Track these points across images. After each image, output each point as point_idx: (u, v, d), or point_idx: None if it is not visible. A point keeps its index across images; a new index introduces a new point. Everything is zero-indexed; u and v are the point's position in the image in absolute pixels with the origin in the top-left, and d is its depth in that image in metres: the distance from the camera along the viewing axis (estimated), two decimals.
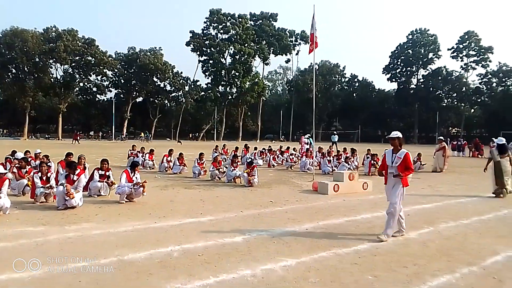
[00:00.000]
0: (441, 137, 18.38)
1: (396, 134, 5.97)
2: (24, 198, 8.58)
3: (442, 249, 5.30)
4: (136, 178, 8.52)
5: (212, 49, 66.37)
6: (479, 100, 69.42)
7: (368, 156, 15.89)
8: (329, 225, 6.55)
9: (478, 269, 4.53)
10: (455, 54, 68.76)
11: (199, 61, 68.16)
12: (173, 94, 69.01)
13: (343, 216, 7.29)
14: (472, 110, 75.02)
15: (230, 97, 69.70)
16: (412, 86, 74.47)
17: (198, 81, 70.99)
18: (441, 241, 5.73)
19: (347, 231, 6.18)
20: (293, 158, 17.96)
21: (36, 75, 55.44)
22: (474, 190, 11.40)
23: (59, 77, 58.55)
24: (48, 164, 9.71)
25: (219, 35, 68.24)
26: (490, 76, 67.29)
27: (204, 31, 67.87)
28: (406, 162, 5.75)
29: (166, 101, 70.30)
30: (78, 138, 44.19)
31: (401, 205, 5.79)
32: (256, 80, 69.87)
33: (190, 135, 69.95)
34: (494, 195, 9.99)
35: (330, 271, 4.34)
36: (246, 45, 66.12)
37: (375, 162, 15.38)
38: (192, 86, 68.67)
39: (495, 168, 10.08)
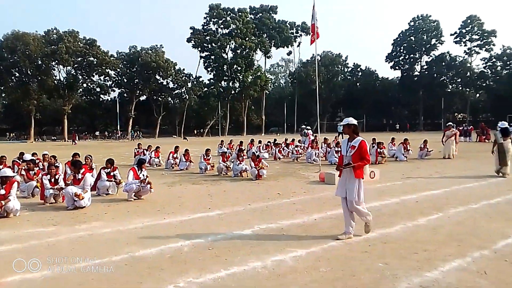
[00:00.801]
0: (450, 123, 18.09)
1: (348, 121, 5.39)
2: (34, 200, 8.66)
3: (452, 234, 5.28)
4: (143, 175, 8.56)
5: (213, 44, 66.20)
6: (484, 84, 68.80)
7: (373, 145, 15.82)
8: (337, 215, 6.53)
9: (489, 252, 4.52)
10: (458, 39, 68.05)
11: (201, 57, 68.10)
12: (176, 91, 69.08)
13: None
14: (478, 95, 74.39)
15: (233, 91, 69.60)
16: (416, 73, 73.88)
17: (201, 77, 71.04)
18: (450, 226, 5.71)
19: (355, 220, 6.16)
20: (298, 150, 17.95)
21: (39, 78, 55.71)
22: (482, 174, 11.34)
23: (62, 78, 58.81)
24: (56, 165, 9.77)
25: (219, 30, 68.07)
26: (494, 60, 66.61)
27: (205, 27, 67.69)
28: (361, 151, 5.13)
29: (170, 99, 70.41)
30: (76, 139, 44.34)
31: (364, 202, 5.28)
32: (259, 73, 69.67)
33: (195, 131, 70.06)
34: (496, 174, 10.91)
35: (340, 260, 4.35)
36: (247, 39, 65.89)
37: (381, 151, 15.35)
38: (195, 83, 68.67)
39: (498, 150, 10.97)
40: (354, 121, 5.38)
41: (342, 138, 26.35)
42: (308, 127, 26.64)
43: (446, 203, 7.31)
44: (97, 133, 63.56)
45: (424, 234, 5.31)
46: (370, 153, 15.73)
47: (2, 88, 58.31)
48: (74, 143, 41.93)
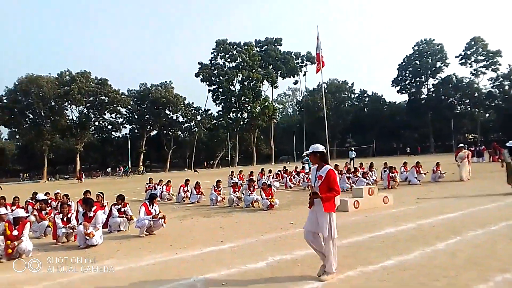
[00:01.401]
0: (462, 144, 17.75)
1: (313, 148, 4.91)
2: (46, 240, 8.66)
3: (472, 258, 5.11)
4: (155, 210, 8.53)
5: (221, 77, 67.57)
6: (493, 104, 68.30)
7: (385, 169, 15.66)
8: (352, 243, 6.39)
9: (511, 275, 4.34)
10: (463, 60, 68.26)
11: (209, 90, 69.40)
12: (185, 125, 70.03)
13: (366, 233, 7.12)
14: (487, 115, 73.73)
15: (241, 122, 70.27)
16: (423, 96, 73.86)
17: (209, 109, 72.16)
18: (470, 249, 5.53)
19: (371, 247, 6.02)
20: (309, 177, 17.78)
21: (52, 118, 57.05)
22: (498, 195, 11.06)
23: (75, 118, 60.17)
24: (68, 203, 9.82)
25: (226, 63, 69.67)
26: (501, 79, 66.33)
27: (212, 61, 69.38)
28: (329, 180, 4.64)
29: (180, 132, 71.29)
30: (83, 177, 44.51)
31: (336, 238, 4.69)
32: (266, 103, 70.51)
33: (205, 163, 70.34)
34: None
35: None
36: (253, 71, 67.22)
37: (393, 175, 15.15)
38: (204, 115, 69.65)
39: (507, 168, 11.46)
40: (321, 148, 4.89)
41: (354, 164, 26.34)
42: (306, 158, 26.69)
43: (464, 226, 7.10)
44: (108, 169, 64.01)
45: (443, 259, 5.13)
46: (382, 178, 15.67)
47: (16, 130, 59.78)
48: (80, 181, 42.10)
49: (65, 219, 8.25)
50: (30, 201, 11.42)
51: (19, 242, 6.69)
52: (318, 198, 4.65)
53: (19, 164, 77.69)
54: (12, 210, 8.23)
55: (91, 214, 7.84)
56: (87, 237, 7.35)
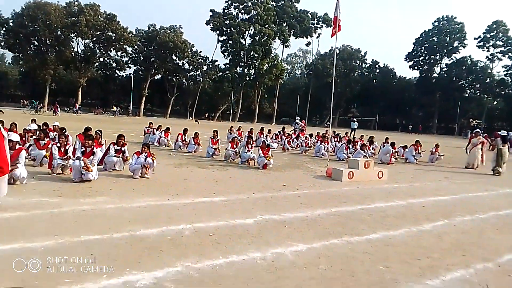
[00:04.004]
0: (478, 130, 17.30)
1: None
2: (41, 169, 8.73)
3: (457, 243, 5.19)
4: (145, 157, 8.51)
5: (232, 29, 65.59)
6: (503, 92, 67.27)
7: (385, 144, 15.67)
8: (342, 212, 6.48)
9: (493, 265, 4.43)
10: (481, 43, 66.43)
11: (218, 40, 67.58)
12: (191, 73, 68.83)
13: (356, 204, 7.21)
14: (495, 102, 72.89)
15: (247, 78, 69.17)
16: (435, 74, 72.57)
17: (217, 61, 70.55)
18: (456, 234, 5.61)
19: (360, 219, 6.11)
20: (308, 142, 17.82)
21: (57, 48, 55.95)
22: (493, 184, 11.15)
23: (79, 51, 58.98)
24: (66, 134, 9.80)
25: (239, 15, 67.25)
26: None
27: (225, 10, 66.98)
28: None
29: (184, 80, 70.23)
30: (58, 110, 42.42)
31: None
32: (275, 62, 69.04)
33: (206, 114, 70.04)
34: (492, 172, 13.46)
35: (341, 259, 4.30)
36: (266, 26, 65.11)
37: (394, 152, 15.26)
38: (210, 66, 68.34)
39: (497, 153, 13.74)
40: None
41: (354, 135, 26.40)
42: (298, 118, 27.84)
43: (453, 211, 7.19)
44: (114, 108, 63.39)
45: (428, 240, 5.22)
46: (386, 153, 15.37)
47: (20, 55, 58.79)
48: (56, 114, 40.10)
49: (62, 150, 8.30)
50: (30, 129, 11.44)
51: (14, 168, 6.73)
52: None
53: (21, 90, 77.24)
54: (9, 135, 8.22)
55: (90, 149, 7.87)
56: (84, 171, 7.41)
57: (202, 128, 29.09)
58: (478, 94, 69.80)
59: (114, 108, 58.13)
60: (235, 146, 12.76)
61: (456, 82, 68.79)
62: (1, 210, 5.26)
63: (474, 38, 67.38)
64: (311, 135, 20.01)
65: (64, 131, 10.67)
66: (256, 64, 66.99)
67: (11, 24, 53.41)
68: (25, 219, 5.01)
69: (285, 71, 79.28)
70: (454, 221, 6.41)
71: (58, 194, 6.48)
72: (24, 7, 52.63)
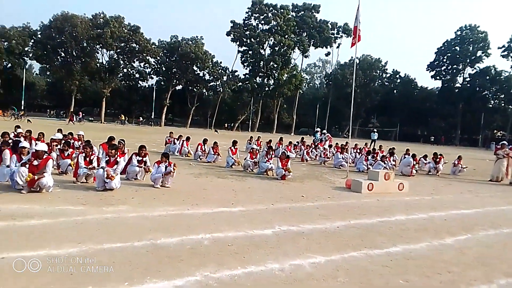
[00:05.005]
0: (505, 142, 16.50)
1: None
2: (66, 178, 9.00)
3: (480, 257, 5.08)
4: (165, 166, 8.67)
5: (252, 39, 66.26)
6: None
7: (405, 155, 15.44)
8: (361, 225, 6.43)
9: None
10: (505, 53, 64.71)
11: (239, 51, 68.38)
12: (211, 84, 69.75)
13: (376, 216, 7.13)
14: None
15: (267, 88, 69.54)
16: (457, 85, 71.09)
17: (237, 71, 71.41)
18: (479, 249, 5.49)
19: (379, 232, 6.05)
20: (327, 153, 17.73)
21: (83, 60, 57.73)
22: None
23: (104, 62, 60.69)
24: (91, 145, 10.08)
25: (259, 25, 67.99)
26: None
27: (245, 21, 67.83)
28: None
29: (204, 90, 71.20)
30: (74, 119, 43.61)
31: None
32: (294, 72, 69.26)
33: (226, 124, 70.67)
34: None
35: (360, 272, 4.27)
36: (286, 36, 65.53)
37: (415, 163, 15.02)
38: (230, 76, 69.09)
39: (508, 163, 14.55)
40: None
41: (374, 146, 26.10)
42: (324, 131, 27.38)
43: (476, 224, 7.02)
44: (140, 118, 64.91)
45: (449, 254, 5.12)
46: (406, 165, 15.08)
47: (47, 66, 60.90)
48: (72, 123, 40.49)
49: (87, 159, 8.55)
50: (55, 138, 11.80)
51: (41, 177, 6.99)
52: None
53: (48, 100, 79.90)
54: (36, 144, 8.54)
55: (113, 159, 8.09)
56: (107, 181, 7.61)
57: (222, 137, 29.36)
58: (503, 104, 67.92)
59: (123, 117, 59.42)
60: (253, 157, 12.84)
61: (480, 92, 67.20)
62: (28, 217, 5.47)
63: (498, 48, 65.84)
64: (330, 146, 19.91)
65: (89, 142, 10.97)
66: (276, 74, 67.31)
67: (39, 35, 55.67)
68: (51, 227, 5.19)
69: (304, 81, 79.35)
70: (477, 235, 6.26)
71: (82, 202, 6.68)
72: (52, 19, 54.71)
